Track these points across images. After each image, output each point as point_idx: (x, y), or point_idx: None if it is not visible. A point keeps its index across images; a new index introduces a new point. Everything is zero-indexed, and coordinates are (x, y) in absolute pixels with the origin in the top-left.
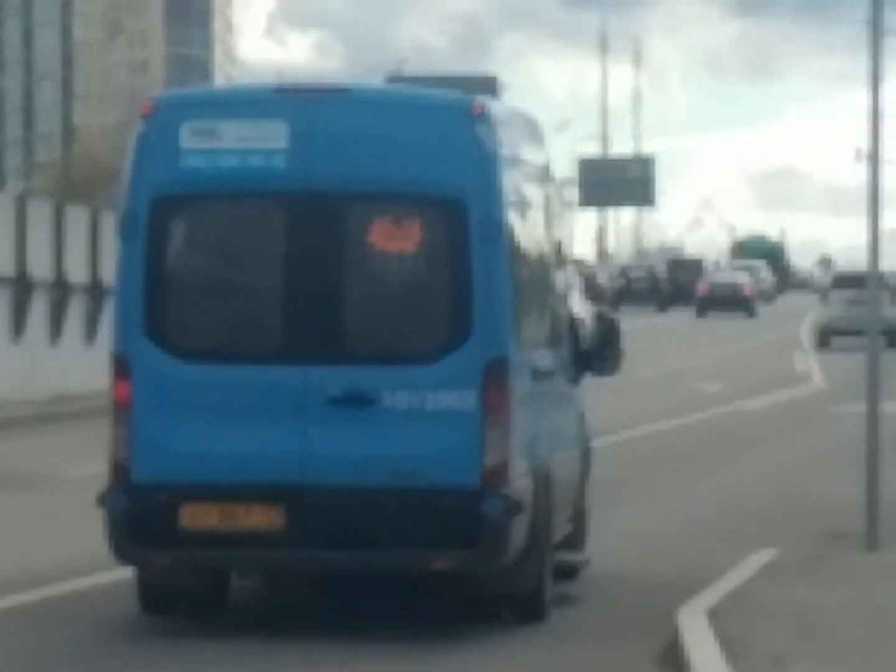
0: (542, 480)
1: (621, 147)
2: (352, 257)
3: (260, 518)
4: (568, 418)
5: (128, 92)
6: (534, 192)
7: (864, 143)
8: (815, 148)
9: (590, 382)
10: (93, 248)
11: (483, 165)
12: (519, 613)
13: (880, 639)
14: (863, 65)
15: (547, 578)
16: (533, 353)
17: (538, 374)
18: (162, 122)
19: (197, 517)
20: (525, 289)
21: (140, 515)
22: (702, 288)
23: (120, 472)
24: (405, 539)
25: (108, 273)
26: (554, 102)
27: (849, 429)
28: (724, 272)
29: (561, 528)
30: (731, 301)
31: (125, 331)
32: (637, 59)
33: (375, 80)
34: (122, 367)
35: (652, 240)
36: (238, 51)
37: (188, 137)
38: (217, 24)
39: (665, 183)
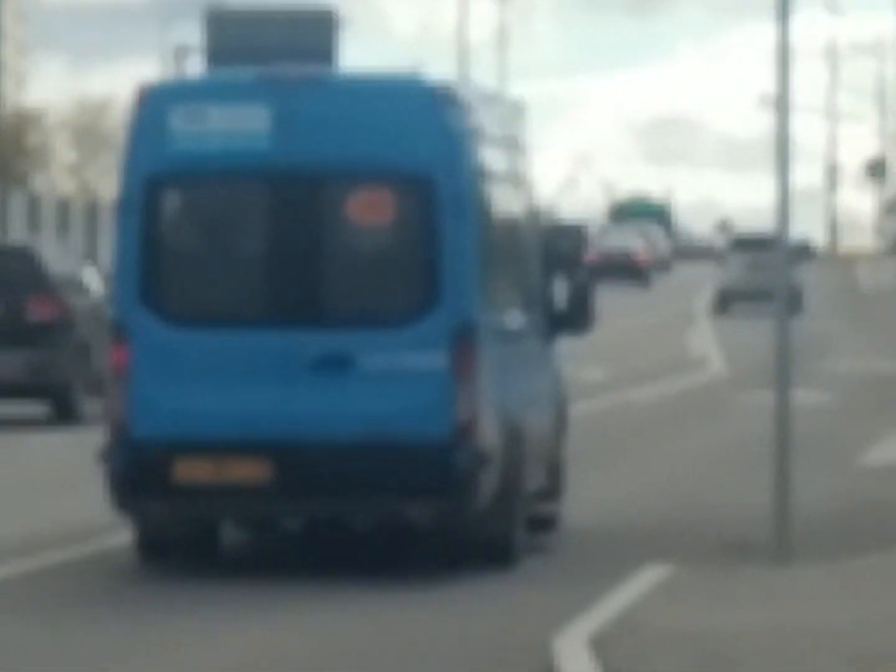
0: (513, 434)
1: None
2: (329, 230)
3: (248, 471)
4: (540, 376)
5: None
6: (504, 168)
7: (768, 87)
8: (710, 93)
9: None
10: None
11: (449, 144)
12: (489, 558)
13: (795, 668)
14: None
15: (517, 526)
16: (503, 316)
17: (508, 336)
18: (153, 108)
19: (190, 470)
20: (494, 257)
21: (137, 469)
22: (589, 255)
23: (118, 430)
24: (381, 489)
25: None
26: (404, 41)
27: (754, 422)
28: (614, 236)
29: (533, 479)
30: (623, 270)
31: (123, 300)
32: None
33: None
34: (120, 333)
35: None
36: None
37: (178, 122)
38: None
39: (536, 134)
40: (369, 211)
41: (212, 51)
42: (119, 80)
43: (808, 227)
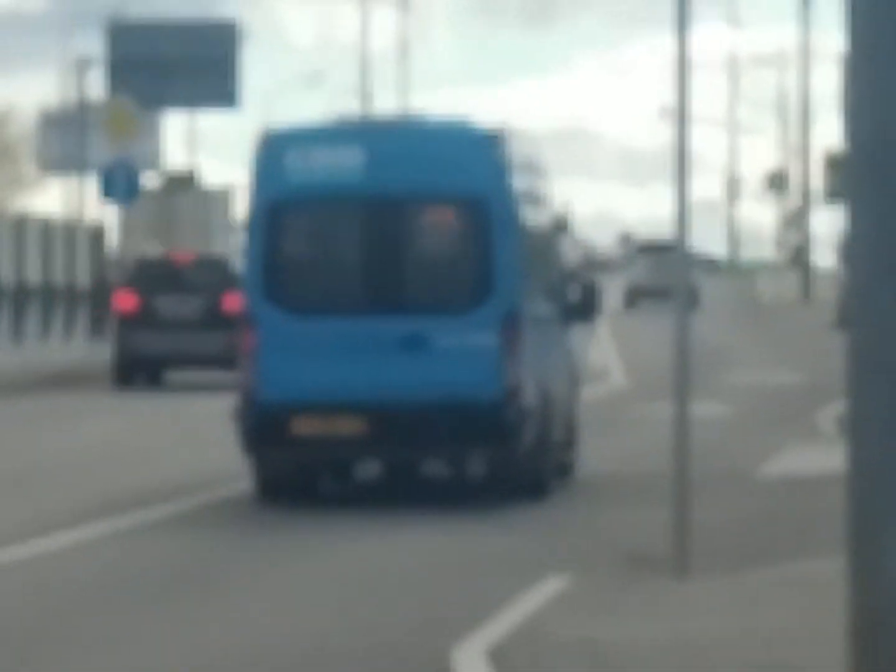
0: (545, 396)
1: (385, 103)
2: (409, 241)
3: (347, 426)
4: (561, 352)
5: None
6: (534, 191)
7: (668, 99)
8: (609, 105)
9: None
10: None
11: (498, 174)
12: (529, 491)
13: None
14: (661, 6)
15: (549, 467)
16: (537, 306)
17: (541, 321)
18: (273, 149)
19: (303, 425)
20: (532, 260)
21: (262, 425)
22: None
23: (249, 395)
24: (452, 438)
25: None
26: (304, 51)
27: (653, 434)
28: None
29: (559, 432)
30: None
31: (252, 296)
32: (404, 2)
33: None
34: (250, 321)
35: None
36: None
37: (292, 160)
38: None
39: None
40: (438, 226)
41: (114, 61)
42: (19, 91)
43: (708, 238)
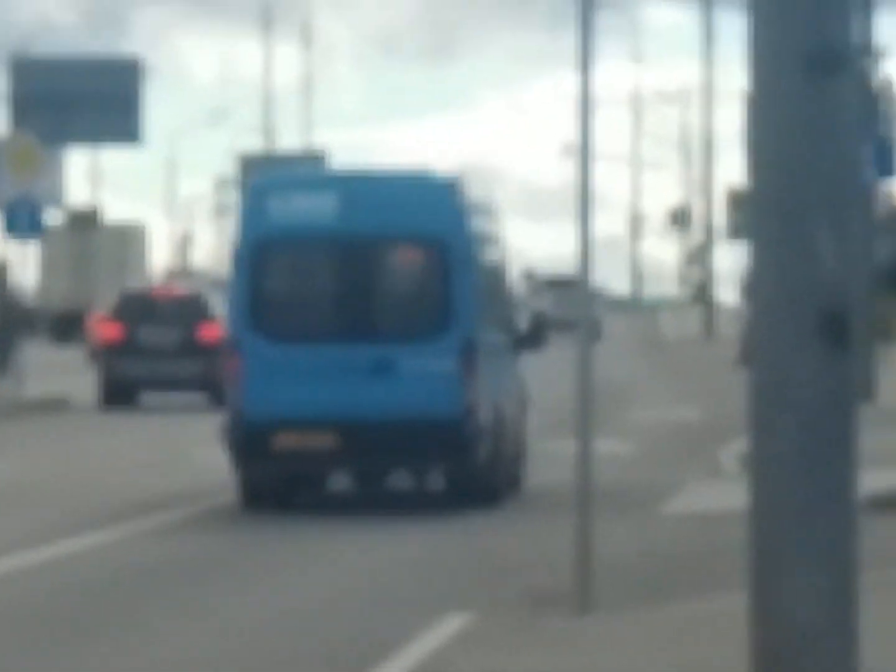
0: (498, 415)
1: (289, 141)
2: (378, 276)
3: (322, 441)
4: (512, 377)
5: None
6: (488, 231)
7: (571, 136)
8: (512, 142)
9: None
10: None
11: (457, 218)
12: (482, 499)
13: None
14: (564, 43)
15: (502, 478)
16: (492, 335)
17: (494, 349)
18: (257, 195)
19: (283, 441)
20: (486, 294)
21: (249, 441)
22: None
23: (234, 414)
24: (416, 451)
25: None
26: (207, 88)
27: (556, 471)
28: None
29: (509, 447)
30: None
31: (236, 325)
32: (307, 40)
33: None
34: (234, 347)
35: None
36: None
37: (274, 205)
38: None
39: None
40: (405, 263)
41: (16, 97)
42: None
43: (612, 274)
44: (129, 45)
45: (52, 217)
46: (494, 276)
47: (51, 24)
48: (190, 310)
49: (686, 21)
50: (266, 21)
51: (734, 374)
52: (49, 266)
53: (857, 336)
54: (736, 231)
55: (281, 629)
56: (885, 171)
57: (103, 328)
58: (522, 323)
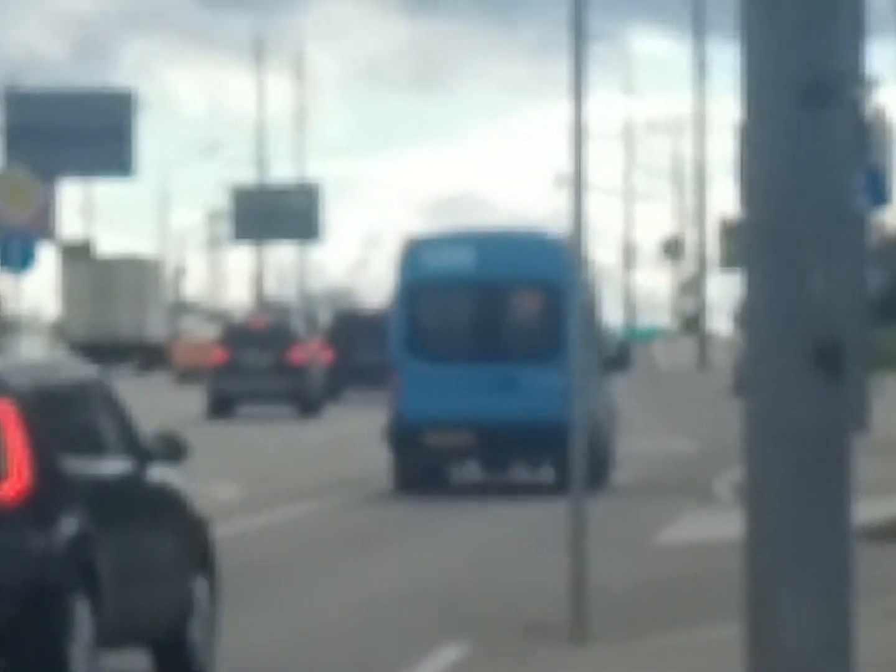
0: (593, 422)
1: (281, 172)
2: (506, 314)
3: (463, 439)
4: (603, 392)
5: None
6: (587, 278)
7: (564, 166)
8: (503, 172)
9: None
10: None
11: (564, 268)
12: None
13: None
14: (553, 73)
15: (597, 472)
16: (589, 359)
17: (591, 370)
18: (412, 249)
19: (434, 438)
20: (584, 327)
21: (406, 437)
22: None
23: (395, 416)
24: (533, 448)
25: None
26: (198, 120)
27: (552, 502)
28: None
29: (602, 449)
30: None
31: (397, 348)
32: (299, 71)
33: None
34: (396, 367)
35: (317, 282)
36: None
37: (426, 256)
38: None
39: (330, 215)
40: (525, 303)
41: (10, 130)
42: None
43: (605, 305)
44: (119, 76)
45: (45, 250)
46: (590, 311)
47: (39, 56)
48: (280, 335)
49: (678, 51)
50: (258, 53)
51: (728, 403)
52: (70, 299)
53: (851, 366)
54: (729, 261)
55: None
56: (878, 201)
57: (213, 352)
58: (611, 350)
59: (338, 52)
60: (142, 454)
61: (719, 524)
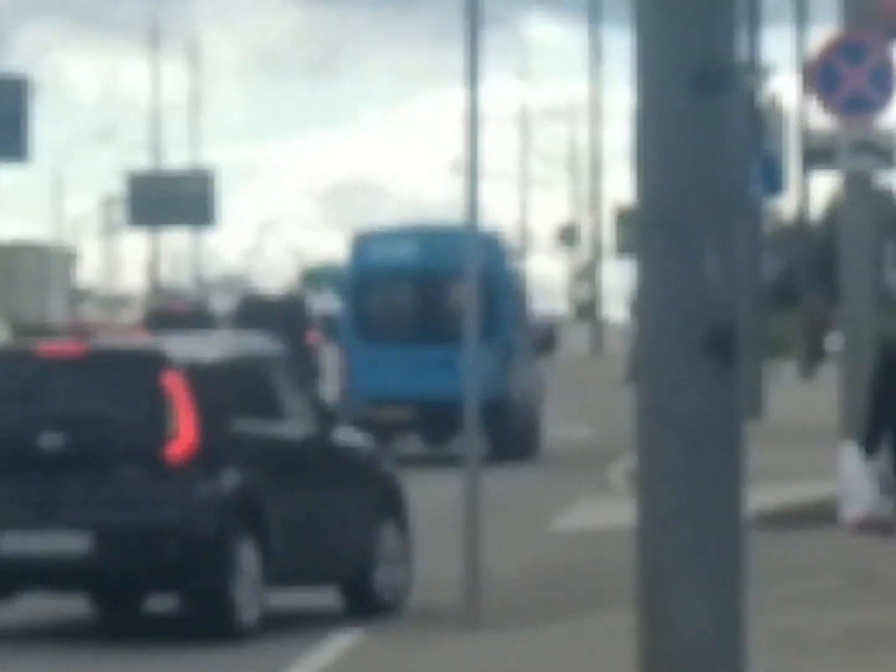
0: (525, 397)
1: (176, 158)
2: (443, 300)
3: (406, 414)
4: (531, 371)
5: None
6: (516, 271)
7: (459, 153)
8: (397, 159)
9: None
10: None
11: (499, 261)
12: (516, 455)
13: None
14: (451, 61)
15: (531, 441)
16: (520, 341)
17: (521, 350)
18: (360, 243)
19: (379, 414)
20: (515, 312)
21: (354, 413)
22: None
23: (344, 393)
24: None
25: None
26: (93, 106)
27: (445, 489)
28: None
29: (531, 420)
30: None
31: (347, 332)
32: (193, 56)
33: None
34: (345, 348)
35: (211, 268)
36: None
37: (372, 249)
38: None
39: (225, 201)
40: (462, 291)
41: None
42: None
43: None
44: (13, 61)
45: None
46: (520, 298)
47: None
48: (200, 319)
49: (573, 38)
50: (153, 38)
51: (622, 391)
52: None
53: (743, 353)
54: (624, 248)
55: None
56: (773, 188)
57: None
58: (538, 333)
59: (233, 38)
60: (325, 418)
61: (613, 511)
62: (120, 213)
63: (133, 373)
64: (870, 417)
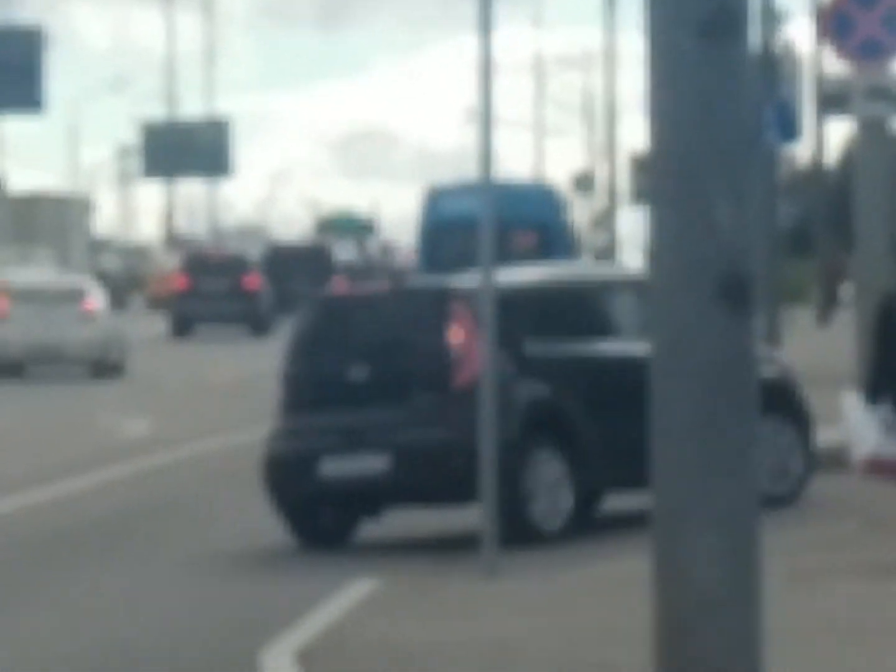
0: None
1: (190, 108)
2: (509, 248)
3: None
4: None
5: None
6: (569, 221)
7: (471, 101)
8: (411, 107)
9: None
10: None
11: (557, 211)
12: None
13: None
14: (464, 8)
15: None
16: None
17: None
18: (433, 195)
19: None
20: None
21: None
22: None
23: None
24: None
25: None
26: (107, 56)
27: None
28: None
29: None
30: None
31: (422, 273)
32: (207, 6)
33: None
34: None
35: (226, 217)
36: None
37: (443, 202)
38: None
39: (239, 150)
40: (525, 240)
41: None
42: None
43: None
44: (27, 12)
45: None
46: (573, 249)
47: None
48: (236, 264)
49: None
50: None
51: None
52: None
53: (758, 300)
54: (639, 195)
55: (190, 595)
56: (788, 135)
57: (174, 279)
58: None
59: None
60: (623, 334)
61: None
62: (135, 164)
63: (424, 308)
64: (872, 366)
